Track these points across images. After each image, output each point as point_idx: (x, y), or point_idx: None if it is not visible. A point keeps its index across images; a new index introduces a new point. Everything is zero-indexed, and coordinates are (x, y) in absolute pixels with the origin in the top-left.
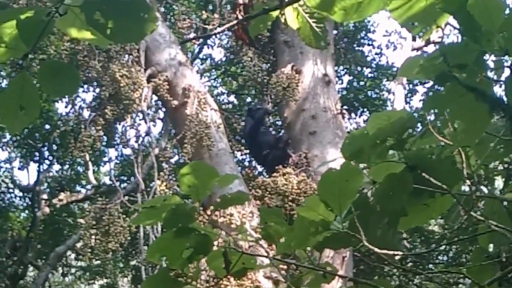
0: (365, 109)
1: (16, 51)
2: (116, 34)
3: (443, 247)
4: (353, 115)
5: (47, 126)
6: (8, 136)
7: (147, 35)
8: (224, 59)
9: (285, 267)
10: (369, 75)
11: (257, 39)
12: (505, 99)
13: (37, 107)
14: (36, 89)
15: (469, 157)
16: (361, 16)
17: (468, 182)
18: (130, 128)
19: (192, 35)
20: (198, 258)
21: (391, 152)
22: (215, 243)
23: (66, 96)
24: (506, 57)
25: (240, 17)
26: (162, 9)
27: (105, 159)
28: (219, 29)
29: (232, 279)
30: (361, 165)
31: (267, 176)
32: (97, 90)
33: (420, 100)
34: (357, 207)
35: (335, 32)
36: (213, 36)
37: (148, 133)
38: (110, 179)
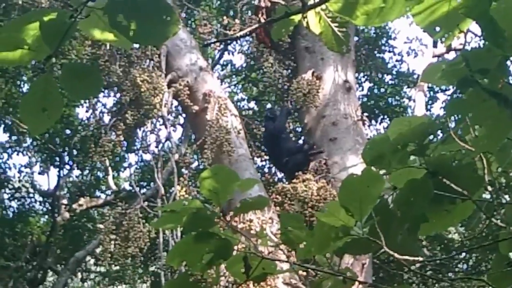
0: (386, 116)
1: (38, 53)
2: (138, 36)
3: (463, 255)
4: (373, 122)
5: (68, 131)
6: (28, 141)
7: (169, 38)
8: (244, 65)
9: (304, 273)
10: (390, 82)
11: (278, 45)
12: None
13: (59, 108)
14: (59, 91)
15: (490, 164)
16: (383, 21)
17: (489, 188)
18: (151, 133)
19: (213, 41)
20: (218, 263)
21: (412, 158)
22: (235, 248)
23: (87, 101)
24: None
25: (262, 20)
26: (183, 15)
27: (125, 164)
28: (241, 33)
29: (251, 284)
30: (382, 171)
31: (287, 182)
32: (118, 95)
33: (441, 107)
34: (378, 213)
35: (356, 38)
36: (234, 42)
37: (168, 139)
38: (130, 185)
